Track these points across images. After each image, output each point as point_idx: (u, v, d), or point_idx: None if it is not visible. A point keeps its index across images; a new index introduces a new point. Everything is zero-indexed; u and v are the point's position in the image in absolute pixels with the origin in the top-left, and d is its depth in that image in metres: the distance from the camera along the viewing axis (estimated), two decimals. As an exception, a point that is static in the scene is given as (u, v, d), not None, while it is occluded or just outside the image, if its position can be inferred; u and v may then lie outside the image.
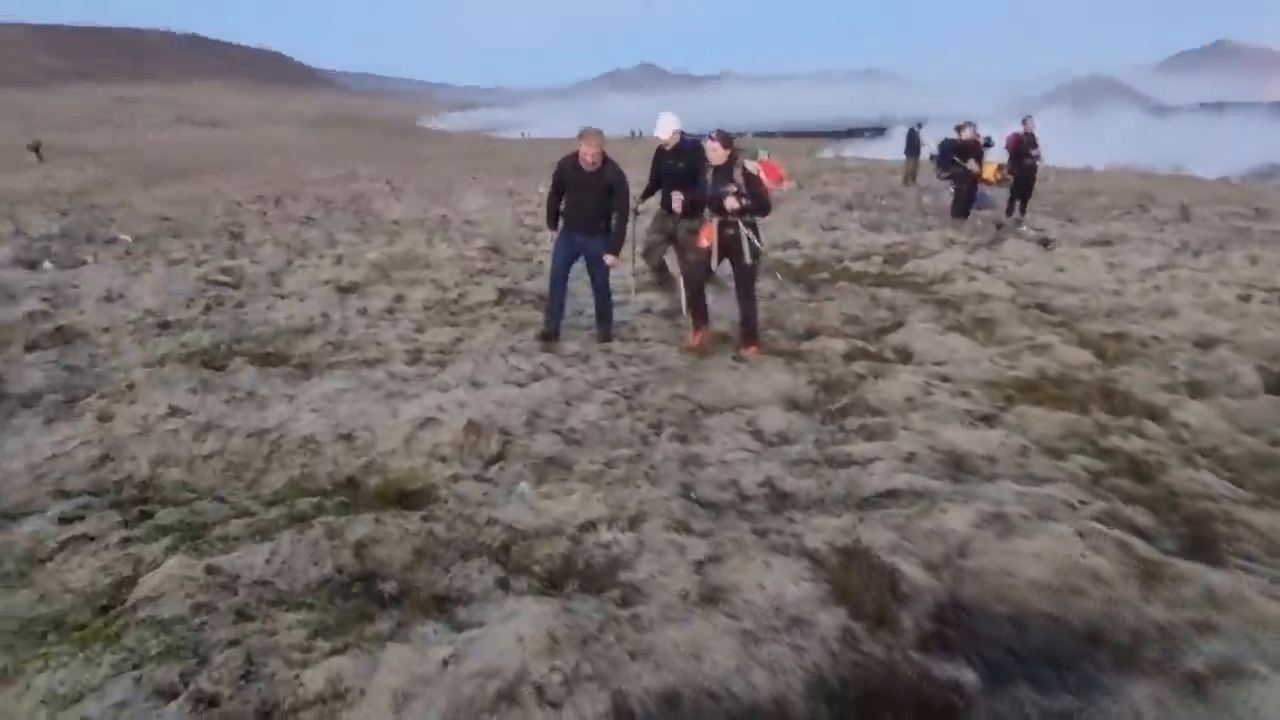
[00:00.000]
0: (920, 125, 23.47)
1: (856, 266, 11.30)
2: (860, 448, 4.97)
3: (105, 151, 49.41)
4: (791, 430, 5.36)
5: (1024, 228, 14.40)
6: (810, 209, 18.57)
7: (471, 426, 4.88)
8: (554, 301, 7.56)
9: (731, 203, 6.72)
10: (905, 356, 7.22)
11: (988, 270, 10.93)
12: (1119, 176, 31.04)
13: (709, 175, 7.01)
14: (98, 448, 4.65)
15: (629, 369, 6.63)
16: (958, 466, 4.69)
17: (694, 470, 4.60)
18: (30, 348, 6.78)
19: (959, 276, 10.36)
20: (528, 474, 4.49)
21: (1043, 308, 8.90)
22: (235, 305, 8.76)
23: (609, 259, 7.31)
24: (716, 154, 6.89)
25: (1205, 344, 7.41)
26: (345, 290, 9.64)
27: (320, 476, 4.52)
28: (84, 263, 11.36)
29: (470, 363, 6.66)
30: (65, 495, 4.24)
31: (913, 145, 23.44)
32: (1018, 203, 16.03)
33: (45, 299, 8.73)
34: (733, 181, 6.82)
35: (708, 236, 7.02)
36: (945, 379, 6.55)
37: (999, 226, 15.07)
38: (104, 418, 5.03)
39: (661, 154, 8.27)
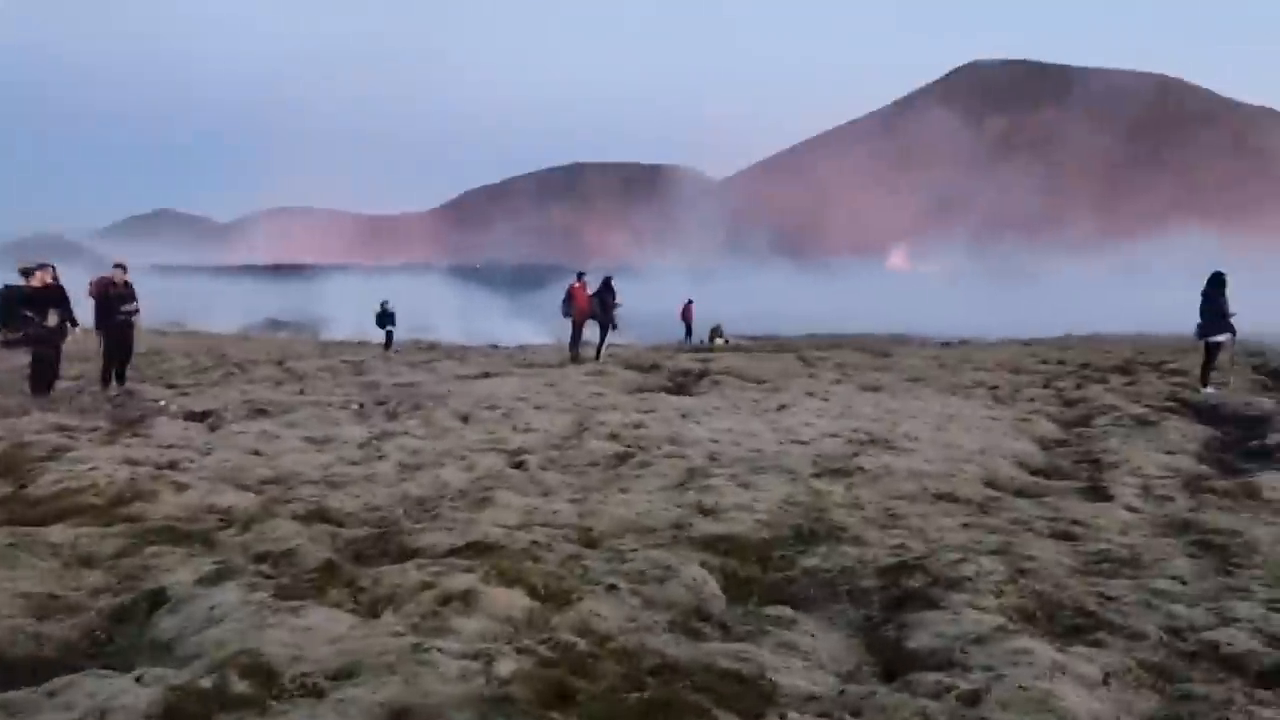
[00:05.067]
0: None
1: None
2: None
3: None
4: None
5: (164, 403, 10.84)
6: None
7: None
8: None
9: None
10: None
11: (170, 467, 7.48)
12: (151, 336, 27.96)
13: None
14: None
15: None
16: None
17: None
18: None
19: (159, 485, 6.72)
20: None
21: (324, 517, 6.13)
22: None
23: None
24: None
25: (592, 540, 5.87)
26: None
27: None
28: None
29: None
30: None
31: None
32: (114, 369, 12.25)
33: None
34: None
35: None
36: None
37: (109, 401, 11.17)
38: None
39: None
